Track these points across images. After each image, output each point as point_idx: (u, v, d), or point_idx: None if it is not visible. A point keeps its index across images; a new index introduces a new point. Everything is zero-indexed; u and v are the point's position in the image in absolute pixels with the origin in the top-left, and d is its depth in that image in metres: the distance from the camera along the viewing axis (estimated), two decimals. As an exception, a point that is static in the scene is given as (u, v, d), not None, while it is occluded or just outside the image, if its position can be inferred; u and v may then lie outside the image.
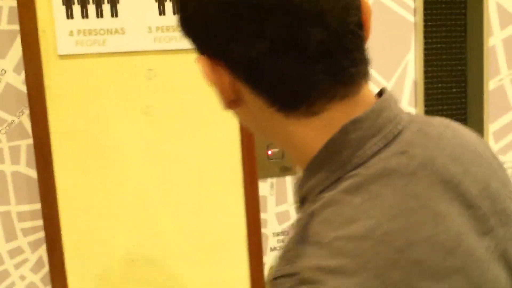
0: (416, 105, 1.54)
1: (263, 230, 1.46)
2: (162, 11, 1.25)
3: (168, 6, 1.26)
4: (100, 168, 1.26)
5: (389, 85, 1.51)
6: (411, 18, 1.51)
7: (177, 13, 0.62)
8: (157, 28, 1.25)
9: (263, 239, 1.46)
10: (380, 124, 0.57)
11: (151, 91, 1.27)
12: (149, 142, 1.28)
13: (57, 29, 1.21)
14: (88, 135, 1.24)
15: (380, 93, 0.62)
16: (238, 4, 0.54)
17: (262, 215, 1.45)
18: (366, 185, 0.55)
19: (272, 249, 1.48)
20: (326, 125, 0.58)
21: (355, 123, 0.57)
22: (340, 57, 0.56)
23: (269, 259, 1.47)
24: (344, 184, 0.56)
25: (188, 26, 0.60)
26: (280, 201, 1.47)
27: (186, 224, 1.32)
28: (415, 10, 1.51)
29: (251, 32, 0.55)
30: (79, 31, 1.22)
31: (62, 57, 1.22)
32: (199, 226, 1.34)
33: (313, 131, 0.59)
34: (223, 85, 0.60)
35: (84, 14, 1.22)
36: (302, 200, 0.62)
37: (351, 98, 0.58)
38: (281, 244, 1.48)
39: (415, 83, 1.53)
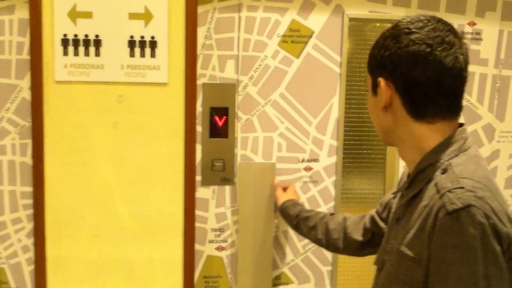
0: (337, 138, 1.91)
1: (203, 225, 1.87)
2: (132, 54, 1.73)
3: (137, 50, 1.73)
4: (78, 164, 1.73)
5: (316, 121, 1.90)
6: (337, 70, 1.89)
7: (376, 51, 1.19)
8: (128, 66, 1.73)
9: (203, 233, 1.87)
10: (466, 136, 1.14)
11: (120, 111, 1.74)
12: (115, 148, 1.75)
13: (56, 62, 1.71)
14: (72, 139, 1.73)
15: (460, 124, 1.18)
16: (424, 60, 1.08)
17: (204, 214, 1.87)
18: (473, 158, 1.11)
19: (210, 241, 1.89)
20: (438, 130, 1.12)
21: (460, 132, 1.13)
22: (459, 98, 1.13)
23: (206, 249, 1.88)
24: (463, 157, 1.10)
25: (379, 61, 1.16)
26: (219, 204, 1.88)
27: (137, 212, 1.77)
28: (340, 63, 1.89)
29: (421, 72, 1.09)
30: (71, 65, 1.71)
31: (58, 82, 1.71)
32: (147, 215, 1.78)
33: (430, 132, 1.12)
34: (386, 95, 1.14)
35: (76, 53, 1.71)
36: (415, 176, 1.14)
37: (453, 120, 1.14)
38: (217, 237, 1.88)
39: (337, 121, 1.91)
